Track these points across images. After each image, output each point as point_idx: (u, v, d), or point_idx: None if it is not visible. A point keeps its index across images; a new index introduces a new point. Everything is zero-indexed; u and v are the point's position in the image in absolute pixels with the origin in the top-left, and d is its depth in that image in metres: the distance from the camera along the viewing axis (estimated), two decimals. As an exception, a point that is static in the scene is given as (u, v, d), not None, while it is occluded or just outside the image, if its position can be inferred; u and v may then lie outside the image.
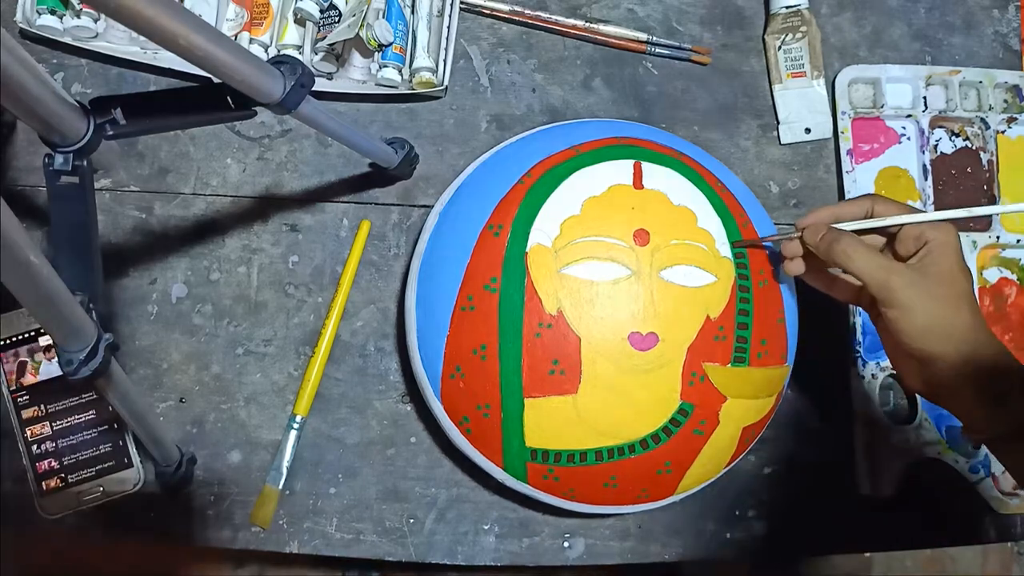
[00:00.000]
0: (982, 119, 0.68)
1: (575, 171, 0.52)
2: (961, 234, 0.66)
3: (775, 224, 0.58)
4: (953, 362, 0.43)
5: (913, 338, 0.44)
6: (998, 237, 0.66)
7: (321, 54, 0.62)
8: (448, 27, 0.63)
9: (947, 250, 0.45)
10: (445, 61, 0.63)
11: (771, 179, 0.67)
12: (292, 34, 0.62)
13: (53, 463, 0.57)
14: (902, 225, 0.46)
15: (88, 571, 0.59)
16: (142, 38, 0.51)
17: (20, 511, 0.56)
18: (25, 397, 0.57)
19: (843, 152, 0.66)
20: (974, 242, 0.66)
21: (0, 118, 0.61)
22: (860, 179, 0.67)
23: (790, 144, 0.67)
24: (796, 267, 0.50)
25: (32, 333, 0.58)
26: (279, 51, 0.62)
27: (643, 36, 0.67)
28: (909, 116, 0.68)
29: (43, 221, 0.61)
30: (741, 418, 0.52)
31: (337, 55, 0.63)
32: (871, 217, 0.47)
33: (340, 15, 0.61)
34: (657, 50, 0.67)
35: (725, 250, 0.51)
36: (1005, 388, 0.43)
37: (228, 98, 0.43)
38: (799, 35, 0.67)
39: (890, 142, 0.68)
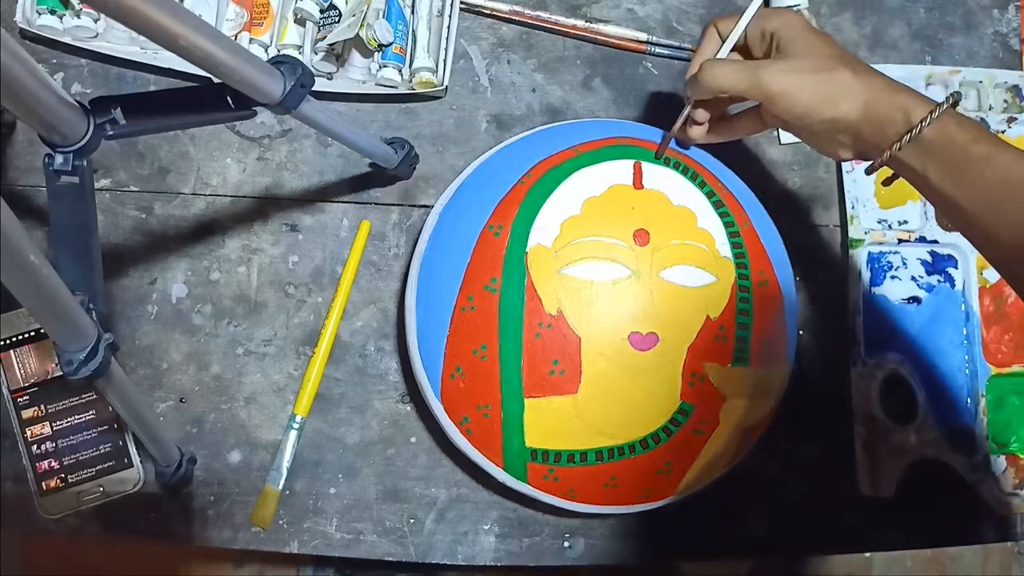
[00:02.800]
0: (982, 119, 0.68)
1: (575, 171, 0.52)
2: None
3: (775, 224, 0.58)
4: (856, 119, 0.44)
5: (808, 116, 0.45)
6: (998, 237, 0.66)
7: (321, 54, 0.62)
8: (448, 27, 0.63)
9: (793, 27, 0.46)
10: (445, 61, 0.63)
11: (771, 179, 0.67)
12: (292, 34, 0.62)
13: (53, 463, 0.57)
14: (746, 33, 0.48)
15: (88, 571, 0.59)
16: (142, 38, 0.51)
17: (20, 511, 0.56)
18: (25, 397, 0.57)
19: (843, 152, 0.66)
20: (974, 242, 0.66)
21: (0, 118, 0.61)
22: (860, 179, 0.67)
23: (790, 144, 0.67)
24: (698, 132, 0.53)
25: (32, 333, 0.58)
26: (279, 51, 0.62)
27: (643, 36, 0.67)
28: (909, 116, 0.68)
29: (43, 221, 0.61)
30: (741, 418, 0.52)
31: (337, 55, 0.63)
32: (723, 42, 0.49)
33: (340, 15, 0.61)
34: (657, 50, 0.67)
35: (725, 250, 0.51)
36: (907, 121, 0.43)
37: (228, 98, 0.43)
38: (799, 35, 0.67)
39: (890, 142, 0.68)
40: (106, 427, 0.58)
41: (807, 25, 0.46)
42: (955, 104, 0.43)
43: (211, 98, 0.43)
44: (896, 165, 0.45)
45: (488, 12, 0.66)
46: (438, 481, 0.60)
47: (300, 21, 0.62)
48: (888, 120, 0.44)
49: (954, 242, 0.66)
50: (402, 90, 0.63)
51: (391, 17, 0.62)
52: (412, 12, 0.64)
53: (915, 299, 0.66)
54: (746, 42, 0.49)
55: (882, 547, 0.64)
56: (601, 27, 0.66)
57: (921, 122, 0.42)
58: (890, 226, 0.66)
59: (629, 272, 0.49)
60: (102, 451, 0.57)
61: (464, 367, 0.50)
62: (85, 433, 0.57)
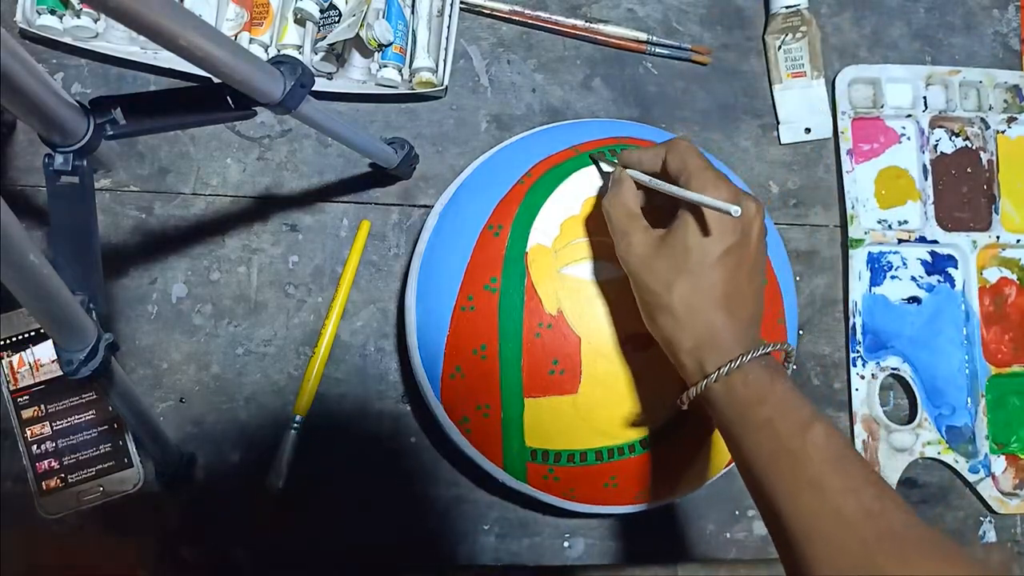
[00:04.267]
0: (982, 119, 0.68)
1: (575, 171, 0.52)
2: (962, 234, 0.66)
3: (775, 225, 0.58)
4: (664, 336, 0.42)
5: (640, 301, 0.43)
6: (998, 237, 0.66)
7: (321, 54, 0.62)
8: (448, 27, 0.63)
9: (685, 225, 0.41)
10: (445, 61, 0.63)
11: (771, 179, 0.67)
12: (292, 34, 0.62)
13: (53, 463, 0.57)
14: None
15: (88, 571, 0.59)
16: (142, 38, 0.51)
17: (20, 511, 0.56)
18: (25, 397, 0.57)
19: (843, 152, 0.66)
20: (974, 242, 0.66)
21: (0, 118, 0.61)
22: (860, 179, 0.67)
23: (790, 144, 0.67)
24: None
25: (32, 333, 0.58)
26: (279, 51, 0.62)
27: (643, 36, 0.67)
28: (909, 116, 0.68)
29: (43, 221, 0.61)
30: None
31: (337, 55, 0.63)
32: (665, 166, 0.43)
33: (340, 15, 0.61)
34: (657, 50, 0.67)
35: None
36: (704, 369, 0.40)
37: (228, 98, 0.43)
38: (799, 35, 0.67)
39: (890, 142, 0.68)
40: (106, 427, 0.58)
41: (697, 230, 0.41)
42: (787, 356, 0.42)
43: (211, 98, 0.43)
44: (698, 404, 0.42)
45: (488, 12, 0.66)
46: (438, 481, 0.60)
47: (300, 21, 0.62)
48: (684, 367, 0.41)
49: (954, 242, 0.66)
50: (402, 90, 0.63)
51: (391, 17, 0.62)
52: (412, 12, 0.64)
53: (915, 299, 0.66)
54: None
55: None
56: (601, 27, 0.66)
57: (696, 384, 0.40)
58: (890, 226, 0.66)
59: (629, 272, 0.49)
60: (102, 451, 0.57)
61: (464, 367, 0.50)
62: (85, 433, 0.57)
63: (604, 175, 0.51)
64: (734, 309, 0.41)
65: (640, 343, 0.49)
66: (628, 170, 0.45)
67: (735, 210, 0.38)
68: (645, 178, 0.44)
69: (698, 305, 0.40)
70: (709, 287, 0.40)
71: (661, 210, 0.44)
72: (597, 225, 0.50)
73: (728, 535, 0.62)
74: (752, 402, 0.39)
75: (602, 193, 0.50)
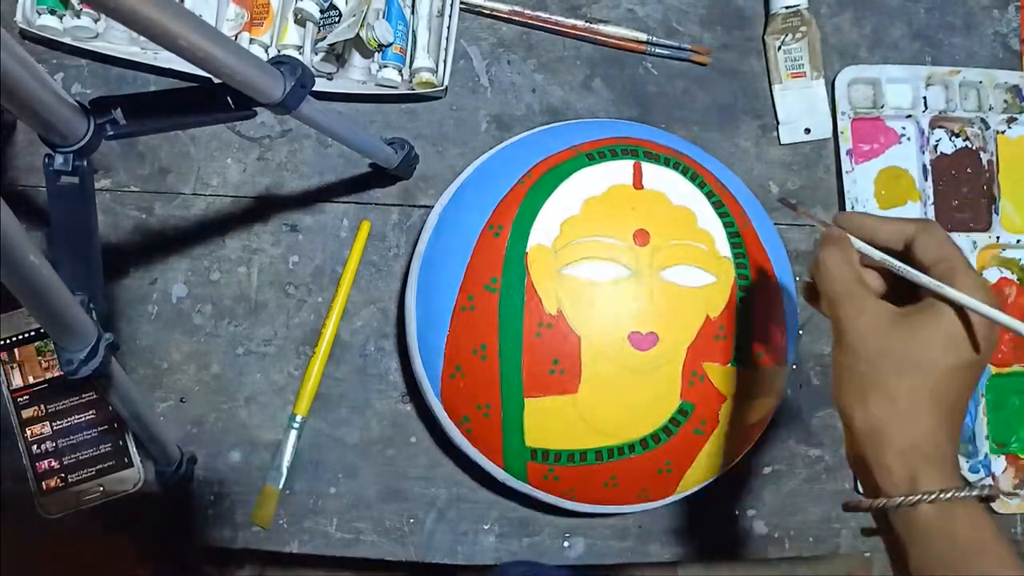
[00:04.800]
0: (982, 119, 0.68)
1: (575, 171, 0.52)
2: (962, 234, 0.66)
3: (774, 224, 0.58)
4: (872, 424, 0.36)
5: (836, 392, 0.37)
6: (998, 237, 0.66)
7: (321, 54, 0.62)
8: (448, 27, 0.63)
9: (942, 314, 0.35)
10: (445, 61, 0.63)
11: (771, 179, 0.67)
12: (292, 34, 0.62)
13: (53, 463, 0.57)
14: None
15: (88, 571, 0.59)
16: (142, 38, 0.51)
17: (20, 511, 0.56)
18: (25, 397, 0.57)
19: (843, 152, 0.66)
20: (974, 242, 0.66)
21: (0, 118, 0.61)
22: (860, 179, 0.67)
23: (790, 144, 0.67)
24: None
25: (32, 333, 0.58)
26: (279, 51, 0.62)
27: (643, 36, 0.67)
28: (909, 116, 0.68)
29: (43, 221, 0.61)
30: (741, 418, 0.52)
31: (337, 55, 0.63)
32: (910, 246, 0.38)
33: (340, 15, 0.61)
34: (657, 50, 0.67)
35: (725, 250, 0.51)
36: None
37: (228, 98, 0.43)
38: (799, 35, 0.67)
39: (890, 142, 0.68)
40: (106, 427, 0.58)
41: (967, 333, 0.35)
42: (986, 500, 0.35)
43: (211, 98, 0.43)
44: (884, 523, 0.36)
45: (488, 12, 0.66)
46: (438, 481, 0.60)
47: (300, 21, 0.62)
48: (888, 468, 0.35)
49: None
50: (402, 90, 0.63)
51: (391, 17, 0.62)
52: (412, 12, 0.64)
53: (915, 299, 0.66)
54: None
55: (882, 547, 0.64)
56: (601, 27, 0.66)
57: (906, 497, 0.34)
58: (890, 226, 0.66)
59: (629, 272, 0.49)
60: (102, 451, 0.57)
61: (464, 367, 0.50)
62: (85, 433, 0.57)
63: (809, 218, 0.44)
64: (952, 430, 0.36)
65: (640, 343, 0.49)
66: (854, 239, 0.39)
67: (1023, 327, 0.34)
68: (884, 257, 0.38)
69: (926, 407, 0.35)
70: (944, 393, 0.35)
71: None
72: (597, 225, 0.50)
73: (728, 535, 0.62)
74: (972, 549, 0.33)
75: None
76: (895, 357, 0.35)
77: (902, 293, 0.38)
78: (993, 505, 0.63)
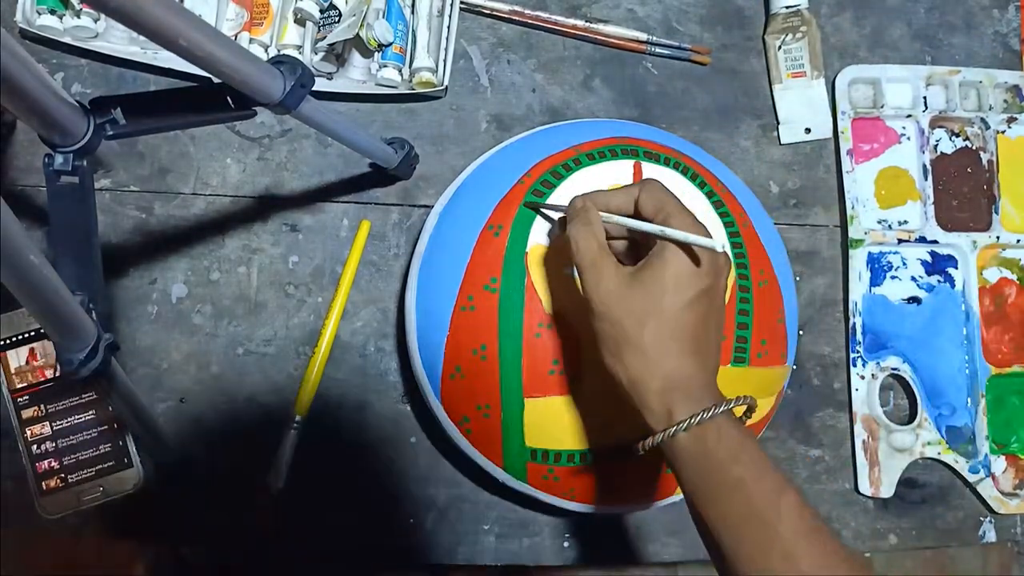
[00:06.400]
0: (982, 119, 0.68)
1: (575, 171, 0.52)
2: (962, 234, 0.66)
3: (775, 224, 0.58)
4: (631, 376, 0.39)
5: (601, 356, 0.40)
6: (998, 237, 0.66)
7: (321, 54, 0.62)
8: (448, 27, 0.63)
9: (662, 263, 0.39)
10: (445, 61, 0.63)
11: (771, 179, 0.67)
12: (292, 34, 0.62)
13: (53, 463, 0.57)
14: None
15: (88, 571, 0.59)
16: (142, 38, 0.51)
17: (20, 511, 0.56)
18: (25, 397, 0.57)
19: (843, 152, 0.66)
20: (974, 242, 0.66)
21: (0, 118, 0.61)
22: (860, 179, 0.67)
23: (790, 144, 0.67)
24: None
25: (32, 333, 0.58)
26: (279, 51, 0.62)
27: (643, 36, 0.67)
28: (909, 116, 0.68)
29: (43, 221, 0.61)
30: (741, 418, 0.52)
31: (337, 55, 0.63)
32: (637, 205, 0.42)
33: (340, 15, 0.61)
34: (657, 50, 0.67)
35: (725, 250, 0.51)
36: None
37: (228, 98, 0.43)
38: (799, 35, 0.67)
39: (890, 142, 0.68)
40: (106, 427, 0.57)
41: (679, 271, 0.39)
42: (749, 410, 0.40)
43: (211, 98, 0.43)
44: (656, 453, 0.40)
45: (488, 12, 0.66)
46: (438, 481, 0.60)
47: (300, 21, 0.62)
48: (650, 410, 0.39)
49: (954, 242, 0.66)
50: (402, 90, 0.63)
51: (391, 17, 0.62)
52: (412, 12, 0.64)
53: (915, 299, 0.66)
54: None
55: (882, 547, 0.64)
56: (601, 27, 0.66)
57: (665, 431, 0.38)
58: (890, 226, 0.66)
59: (629, 272, 0.49)
60: (102, 451, 0.57)
61: (464, 367, 0.50)
62: (85, 433, 0.57)
63: (550, 219, 0.49)
64: (704, 356, 0.40)
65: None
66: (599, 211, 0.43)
67: (720, 245, 0.38)
68: (617, 218, 0.42)
69: (670, 346, 0.39)
70: (682, 328, 0.39)
71: (619, 255, 0.44)
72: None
73: (728, 535, 0.62)
74: (724, 459, 0.37)
75: (553, 233, 0.49)
76: (634, 312, 0.39)
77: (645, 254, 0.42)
78: (993, 505, 0.63)
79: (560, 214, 0.49)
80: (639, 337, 0.39)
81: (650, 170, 0.52)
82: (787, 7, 0.67)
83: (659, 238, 0.40)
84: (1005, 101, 0.69)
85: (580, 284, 0.41)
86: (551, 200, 0.50)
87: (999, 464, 0.65)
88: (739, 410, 0.40)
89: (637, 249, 0.44)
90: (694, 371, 0.39)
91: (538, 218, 0.50)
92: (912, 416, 0.64)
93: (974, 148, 0.69)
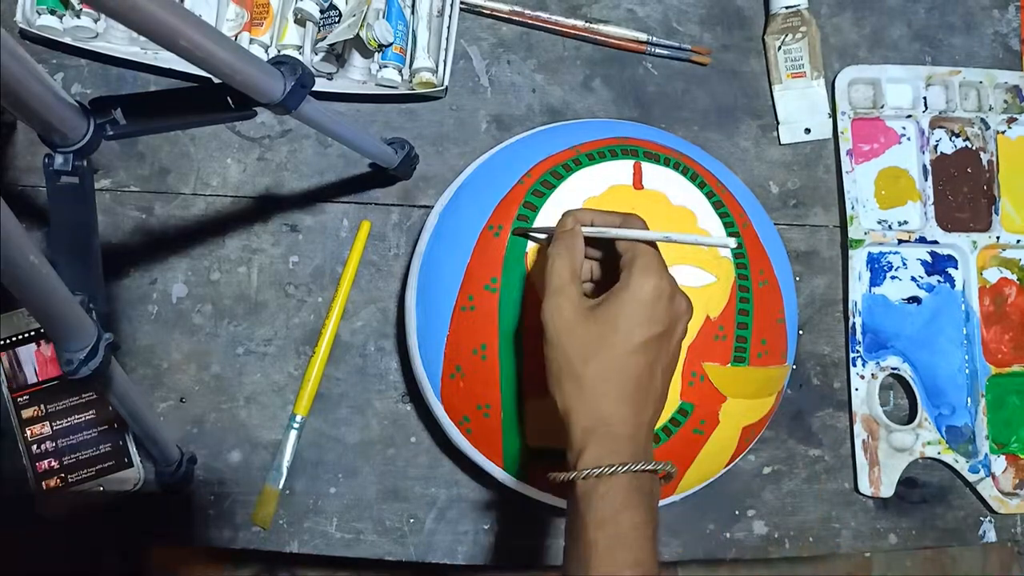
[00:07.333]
0: (982, 119, 0.68)
1: (575, 171, 0.52)
2: (962, 234, 0.66)
3: (775, 224, 0.58)
4: (565, 405, 0.40)
5: (547, 381, 0.40)
6: (998, 237, 0.66)
7: (321, 54, 0.62)
8: (448, 27, 0.63)
9: (619, 302, 0.39)
10: (445, 61, 0.63)
11: (771, 179, 0.67)
12: (292, 34, 0.62)
13: (53, 463, 0.57)
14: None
15: (87, 571, 0.59)
16: (142, 38, 0.51)
17: (20, 511, 0.56)
18: (25, 397, 0.57)
19: (843, 152, 0.66)
20: (974, 242, 0.66)
21: (0, 118, 0.61)
22: (860, 179, 0.67)
23: (790, 144, 0.67)
24: None
25: (32, 333, 0.58)
26: (279, 51, 0.62)
27: (643, 36, 0.67)
28: (909, 116, 0.68)
29: (43, 221, 0.61)
30: (741, 418, 0.52)
31: (337, 55, 0.63)
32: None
33: (340, 15, 0.61)
34: (657, 50, 0.67)
35: (725, 250, 0.51)
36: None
37: (228, 98, 0.43)
38: (799, 35, 0.67)
39: (890, 142, 0.68)
40: (106, 427, 0.58)
41: (638, 304, 0.39)
42: (668, 477, 0.39)
43: (211, 98, 0.43)
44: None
45: (488, 12, 0.66)
46: (438, 481, 0.60)
47: (300, 21, 0.62)
48: (571, 445, 0.39)
49: (954, 243, 0.66)
50: (402, 90, 0.63)
51: (391, 17, 0.62)
52: (412, 12, 0.64)
53: (915, 299, 0.66)
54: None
55: (882, 547, 0.64)
56: (601, 27, 0.66)
57: (573, 474, 0.38)
58: (890, 226, 0.66)
59: (629, 272, 0.49)
60: (102, 451, 0.57)
61: (464, 367, 0.50)
62: (85, 433, 0.57)
63: (539, 240, 0.49)
64: (640, 404, 0.39)
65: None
66: (582, 226, 0.43)
67: (733, 242, 0.39)
68: (603, 230, 0.42)
69: (607, 388, 0.39)
70: (624, 371, 0.39)
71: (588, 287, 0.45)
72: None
73: (728, 535, 0.62)
74: (592, 520, 0.37)
75: (543, 249, 0.49)
76: (584, 346, 0.39)
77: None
78: (993, 505, 0.63)
79: (543, 236, 0.49)
80: (581, 372, 0.39)
81: (650, 170, 0.52)
82: (787, 7, 0.67)
83: (658, 243, 0.41)
84: (1005, 101, 0.69)
85: (542, 306, 0.41)
86: (553, 198, 0.50)
87: (999, 464, 0.65)
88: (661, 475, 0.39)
89: (608, 285, 0.43)
90: (624, 418, 0.39)
91: (539, 218, 0.50)
92: (912, 416, 0.64)
93: (974, 148, 0.69)
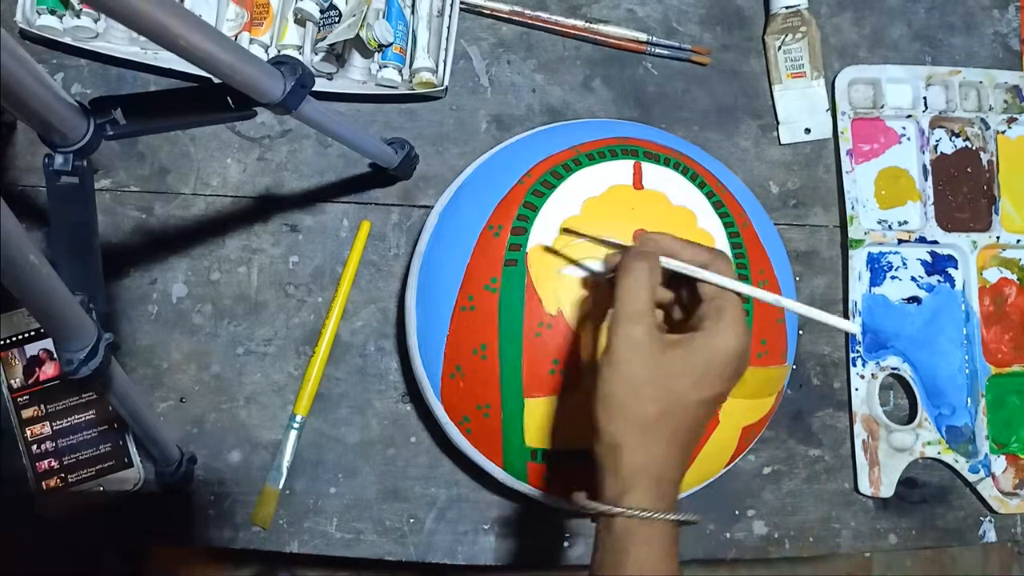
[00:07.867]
0: (982, 119, 0.68)
1: (575, 171, 0.52)
2: (962, 234, 0.66)
3: (775, 224, 0.58)
4: (614, 439, 0.38)
5: (595, 401, 0.39)
6: (998, 237, 0.66)
7: (321, 54, 0.62)
8: (448, 27, 0.63)
9: (710, 347, 0.38)
10: (445, 61, 0.63)
11: (771, 179, 0.67)
12: (292, 34, 0.62)
13: (53, 463, 0.57)
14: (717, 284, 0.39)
15: (87, 571, 0.59)
16: (142, 38, 0.51)
17: (20, 511, 0.56)
18: (25, 397, 0.57)
19: (843, 152, 0.66)
20: (974, 242, 0.66)
21: (0, 118, 0.61)
22: (860, 179, 0.67)
23: (790, 144, 0.67)
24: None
25: (32, 333, 0.58)
26: (279, 51, 0.62)
27: (643, 36, 0.67)
28: (909, 116, 0.68)
29: (43, 221, 0.61)
30: (741, 418, 0.52)
31: (337, 55, 0.63)
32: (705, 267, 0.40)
33: (340, 15, 0.61)
34: (657, 50, 0.67)
35: (725, 250, 0.51)
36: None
37: (228, 98, 0.43)
38: (799, 35, 0.67)
39: (890, 142, 0.68)
40: (106, 427, 0.58)
41: (725, 358, 0.38)
42: (685, 523, 0.38)
43: (211, 98, 0.43)
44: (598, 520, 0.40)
45: (488, 12, 0.66)
46: (438, 481, 0.60)
47: (300, 21, 0.62)
48: (612, 482, 0.38)
49: (954, 243, 0.66)
50: (402, 90, 0.63)
51: (391, 17, 0.62)
52: (412, 12, 0.64)
53: (915, 299, 0.66)
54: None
55: (882, 547, 0.64)
56: (601, 27, 0.66)
57: (613, 505, 0.37)
58: (890, 226, 0.66)
59: (629, 272, 0.49)
60: (102, 451, 0.57)
61: (464, 367, 0.50)
62: (85, 433, 0.57)
63: (601, 242, 0.47)
64: (686, 455, 0.39)
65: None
66: (661, 257, 0.40)
67: (854, 328, 0.38)
68: (690, 269, 0.40)
69: (668, 432, 0.38)
70: (687, 421, 0.38)
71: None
72: (597, 226, 0.50)
73: (728, 535, 0.62)
74: (636, 561, 0.37)
75: (596, 273, 0.48)
76: (652, 382, 0.38)
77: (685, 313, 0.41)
78: (993, 505, 0.63)
79: (604, 249, 0.46)
80: (644, 408, 0.37)
81: (650, 170, 0.52)
82: (787, 7, 0.67)
83: (712, 288, 0.39)
84: (1005, 101, 0.69)
85: (606, 330, 0.39)
86: (553, 198, 0.50)
87: (999, 464, 0.65)
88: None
89: (669, 318, 0.42)
90: (676, 465, 0.39)
91: (539, 218, 0.50)
92: (912, 416, 0.64)
93: (974, 148, 0.69)
